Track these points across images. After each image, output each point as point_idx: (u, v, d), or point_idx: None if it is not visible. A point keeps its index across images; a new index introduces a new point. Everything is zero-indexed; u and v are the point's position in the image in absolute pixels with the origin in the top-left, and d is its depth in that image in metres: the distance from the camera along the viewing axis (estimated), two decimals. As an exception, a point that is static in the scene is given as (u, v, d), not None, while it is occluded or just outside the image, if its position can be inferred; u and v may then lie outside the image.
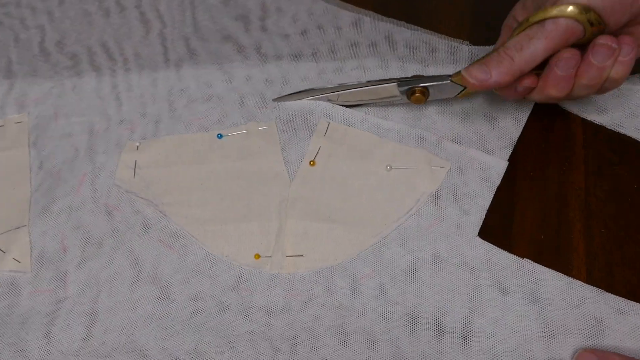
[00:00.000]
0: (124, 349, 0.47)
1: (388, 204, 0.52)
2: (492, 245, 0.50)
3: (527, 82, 0.50)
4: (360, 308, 0.48)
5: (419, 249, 0.50)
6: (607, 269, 0.49)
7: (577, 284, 0.48)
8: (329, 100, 0.58)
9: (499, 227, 0.51)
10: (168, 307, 0.49)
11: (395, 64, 0.60)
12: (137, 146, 0.57)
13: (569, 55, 0.47)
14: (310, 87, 0.59)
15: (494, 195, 0.53)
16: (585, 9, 0.46)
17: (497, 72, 0.48)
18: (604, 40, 0.47)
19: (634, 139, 0.55)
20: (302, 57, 0.62)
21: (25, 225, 0.53)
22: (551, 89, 0.49)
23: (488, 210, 0.52)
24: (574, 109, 0.57)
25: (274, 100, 0.58)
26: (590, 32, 0.47)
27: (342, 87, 0.57)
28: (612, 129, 0.55)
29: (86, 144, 0.58)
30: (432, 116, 0.57)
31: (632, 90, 0.57)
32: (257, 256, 0.51)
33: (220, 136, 0.57)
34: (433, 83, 0.54)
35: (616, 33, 0.49)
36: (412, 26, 0.63)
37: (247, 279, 0.50)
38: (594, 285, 0.48)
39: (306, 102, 0.58)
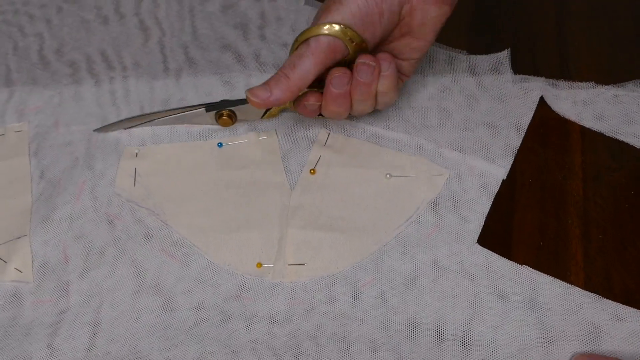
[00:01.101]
0: (127, 358, 0.47)
1: (388, 211, 0.53)
2: (491, 252, 0.50)
3: (312, 99, 0.52)
4: (361, 316, 0.48)
5: (419, 257, 0.51)
6: (605, 274, 0.49)
7: (575, 290, 0.48)
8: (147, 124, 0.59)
9: (498, 234, 0.52)
10: (171, 316, 0.49)
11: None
12: (136, 153, 0.57)
13: (340, 74, 0.51)
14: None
15: (493, 202, 0.53)
16: (342, 28, 0.49)
17: (276, 90, 0.50)
18: (363, 59, 0.50)
19: (631, 146, 0.55)
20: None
21: (26, 235, 0.53)
22: (331, 105, 0.52)
23: (487, 217, 0.52)
24: (572, 116, 0.57)
25: (95, 130, 0.59)
26: (353, 49, 0.50)
27: (157, 114, 0.58)
28: (611, 135, 0.56)
29: (85, 152, 0.58)
30: (433, 126, 0.57)
31: (629, 97, 0.57)
32: (259, 265, 0.51)
33: (220, 145, 0.57)
34: (237, 106, 0.56)
35: (378, 49, 0.53)
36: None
37: (249, 288, 0.50)
38: (592, 291, 0.48)
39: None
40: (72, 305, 0.50)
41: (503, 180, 0.54)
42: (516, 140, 0.56)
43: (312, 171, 0.55)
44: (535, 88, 0.58)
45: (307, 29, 0.50)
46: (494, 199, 0.53)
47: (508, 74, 0.59)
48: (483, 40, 0.63)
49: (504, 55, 0.61)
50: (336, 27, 0.49)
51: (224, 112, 0.57)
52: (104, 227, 0.53)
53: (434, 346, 0.47)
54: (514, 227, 0.52)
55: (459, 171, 0.54)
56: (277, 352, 0.47)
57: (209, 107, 0.57)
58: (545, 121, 0.57)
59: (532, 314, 0.48)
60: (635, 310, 0.47)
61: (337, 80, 0.51)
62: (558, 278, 0.49)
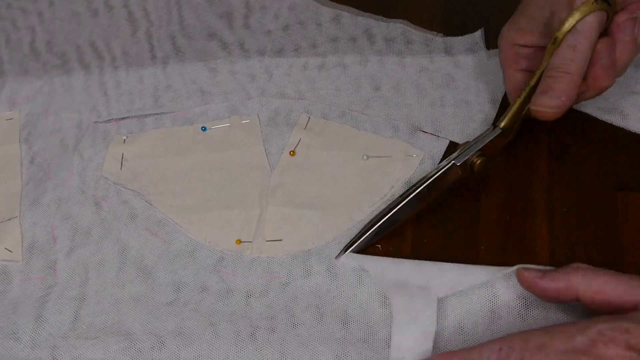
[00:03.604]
0: (110, 330, 0.48)
1: (364, 190, 0.54)
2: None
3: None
4: (335, 289, 0.50)
5: (393, 233, 0.52)
6: (568, 247, 0.51)
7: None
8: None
9: (466, 209, 0.53)
10: (152, 291, 0.51)
11: (374, 58, 0.62)
12: (124, 140, 0.59)
13: (606, 46, 0.49)
14: (292, 84, 0.61)
15: (462, 180, 0.54)
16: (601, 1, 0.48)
17: (565, 92, 0.49)
18: (623, 17, 0.50)
19: (594, 117, 0.57)
20: (285, 52, 0.64)
21: (16, 217, 0.55)
22: (603, 80, 0.50)
23: (457, 193, 0.54)
24: None
25: (336, 258, 0.52)
26: (611, 16, 0.50)
27: (398, 205, 0.52)
28: (575, 108, 0.57)
29: (75, 138, 0.60)
30: (412, 104, 0.59)
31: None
32: (239, 242, 0.53)
33: (204, 129, 0.59)
34: (488, 141, 0.52)
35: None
36: (389, 20, 0.65)
37: (228, 263, 0.52)
38: (556, 264, 0.47)
39: (288, 101, 0.60)
40: (59, 281, 0.52)
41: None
42: (491, 114, 0.58)
43: (292, 153, 0.57)
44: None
45: (567, 18, 0.48)
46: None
47: (482, 52, 0.61)
48: (457, 22, 0.65)
49: (478, 35, 0.62)
50: (595, 2, 0.48)
51: (474, 159, 0.51)
52: (90, 209, 0.55)
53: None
54: (481, 202, 0.54)
55: (432, 152, 0.56)
56: (253, 322, 0.48)
57: (458, 159, 0.51)
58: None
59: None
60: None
61: (605, 53, 0.49)
62: (524, 253, 0.50)
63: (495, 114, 0.58)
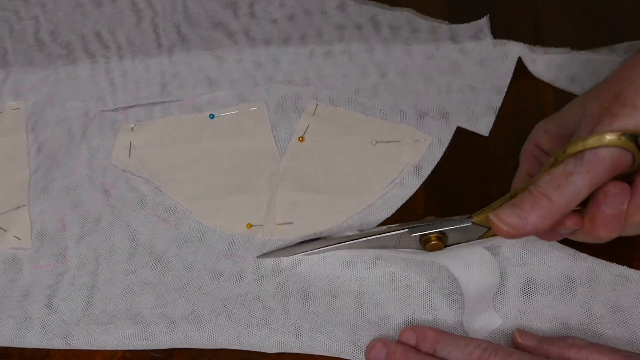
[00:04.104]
0: (123, 315, 0.48)
1: (373, 175, 0.54)
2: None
3: (571, 223, 0.42)
4: (347, 273, 0.50)
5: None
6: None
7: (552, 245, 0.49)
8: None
9: (475, 195, 0.53)
10: (164, 276, 0.51)
11: (380, 46, 0.62)
12: (132, 128, 0.59)
13: (618, 190, 0.40)
14: (299, 71, 0.61)
15: (472, 168, 0.55)
16: (632, 137, 0.38)
17: (534, 217, 0.40)
18: None
19: None
20: (291, 41, 0.64)
21: (25, 205, 0.55)
22: (601, 229, 0.41)
23: (467, 184, 0.54)
24: (547, 78, 0.59)
25: (259, 257, 0.51)
26: (638, 161, 0.40)
27: (345, 238, 0.49)
28: None
29: (82, 127, 0.60)
30: (419, 91, 0.59)
31: (602, 62, 0.59)
32: (249, 225, 0.53)
33: (212, 116, 0.59)
34: (451, 227, 0.46)
35: None
36: (394, 8, 0.65)
37: (239, 247, 0.52)
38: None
39: (295, 87, 0.60)
40: (69, 268, 0.52)
41: (481, 144, 0.56)
42: (497, 101, 0.58)
43: (301, 139, 0.57)
44: (514, 51, 0.60)
45: (580, 140, 0.39)
46: (474, 165, 0.55)
47: (488, 39, 0.61)
48: (461, 8, 0.65)
49: (484, 22, 0.62)
50: (622, 135, 0.38)
51: (431, 235, 0.46)
52: (99, 196, 0.55)
53: (422, 303, 0.48)
54: (490, 189, 0.54)
55: (441, 136, 0.56)
56: (266, 304, 0.48)
57: (413, 228, 0.46)
58: (520, 83, 0.59)
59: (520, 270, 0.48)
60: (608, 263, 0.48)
61: (614, 199, 0.40)
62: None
63: (501, 101, 0.58)
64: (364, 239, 0.48)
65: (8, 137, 0.60)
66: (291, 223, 0.52)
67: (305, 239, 0.51)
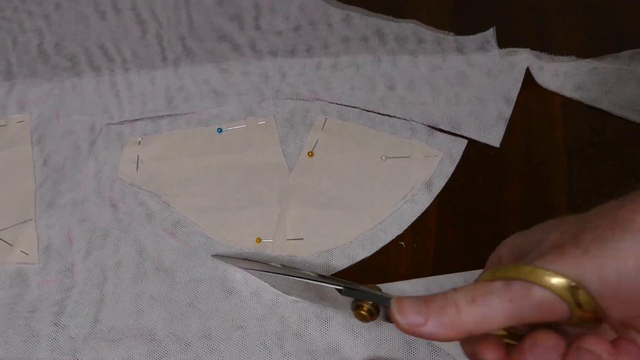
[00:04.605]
0: (132, 333, 0.48)
1: (384, 191, 0.54)
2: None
3: (491, 355, 0.35)
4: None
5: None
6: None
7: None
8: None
9: (488, 208, 0.53)
10: (172, 290, 0.50)
11: (387, 57, 0.62)
12: (139, 141, 0.59)
13: (550, 344, 0.34)
14: (306, 84, 0.61)
15: (484, 182, 0.54)
16: (571, 288, 0.32)
17: (434, 321, 0.34)
18: (591, 344, 0.33)
19: (608, 118, 0.57)
20: (297, 52, 0.64)
21: (31, 219, 0.55)
22: None
23: (480, 198, 0.54)
24: (554, 87, 0.59)
25: (213, 256, 0.52)
26: (579, 317, 0.33)
27: (283, 269, 0.47)
28: (590, 104, 0.57)
29: (88, 140, 0.59)
30: (427, 102, 0.59)
31: (607, 69, 0.59)
32: (259, 240, 0.52)
33: (220, 130, 0.59)
34: (380, 303, 0.39)
35: (618, 326, 0.36)
36: (400, 20, 0.65)
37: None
38: None
39: (303, 102, 0.60)
40: (76, 283, 0.51)
41: (492, 157, 0.56)
42: (506, 112, 0.58)
43: (310, 153, 0.57)
44: (522, 61, 0.60)
45: (515, 266, 0.34)
46: (486, 176, 0.55)
47: (495, 51, 0.61)
48: (465, 20, 0.65)
49: (490, 33, 0.62)
50: (568, 282, 0.32)
51: (364, 304, 0.39)
52: (107, 210, 0.55)
53: None
54: (504, 201, 0.54)
55: (451, 152, 0.56)
56: (279, 325, 0.48)
57: (347, 290, 0.40)
58: (527, 91, 0.59)
59: None
60: None
61: (541, 351, 0.34)
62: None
63: (510, 112, 0.58)
64: (306, 280, 0.44)
65: (13, 150, 0.60)
66: (302, 239, 0.52)
67: (254, 257, 0.50)
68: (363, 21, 0.66)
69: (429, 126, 0.57)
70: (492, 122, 0.57)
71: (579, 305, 0.32)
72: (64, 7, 0.70)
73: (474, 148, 0.56)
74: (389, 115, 0.58)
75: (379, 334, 0.48)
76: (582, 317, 0.33)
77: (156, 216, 0.54)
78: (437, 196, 0.54)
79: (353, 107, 0.59)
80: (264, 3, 0.68)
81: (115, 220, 0.54)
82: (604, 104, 0.57)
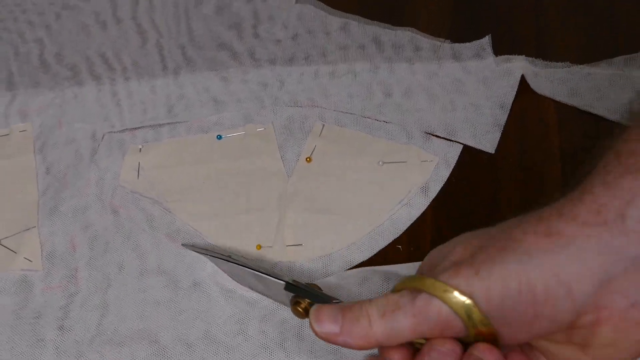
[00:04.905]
0: (136, 336, 0.49)
1: (381, 196, 0.55)
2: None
3: (397, 356, 0.37)
4: (358, 294, 0.50)
5: (412, 237, 0.53)
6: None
7: None
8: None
9: (483, 207, 0.54)
10: (175, 294, 0.51)
11: (384, 65, 0.63)
12: (140, 149, 0.59)
13: (446, 349, 0.35)
14: (304, 91, 0.62)
15: (479, 186, 0.55)
16: (466, 306, 0.33)
17: (348, 332, 0.35)
18: (481, 352, 0.34)
19: (602, 125, 0.58)
20: (295, 61, 0.65)
21: (34, 227, 0.56)
22: None
23: (475, 202, 0.54)
24: (548, 92, 0.60)
25: (183, 245, 0.54)
26: (474, 334, 0.34)
27: (238, 260, 0.49)
28: (584, 109, 0.58)
29: (90, 148, 0.60)
30: (423, 109, 0.60)
31: (601, 75, 0.59)
32: (259, 247, 0.53)
33: (219, 137, 0.60)
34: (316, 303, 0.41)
35: (523, 346, 0.37)
36: (397, 27, 0.66)
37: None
38: None
39: (301, 108, 0.61)
40: (80, 289, 0.52)
41: (487, 162, 0.56)
42: (501, 118, 0.59)
43: (308, 159, 0.58)
44: (517, 68, 0.61)
45: (424, 278, 0.35)
46: (481, 183, 0.55)
47: (490, 59, 0.62)
48: (465, 20, 0.66)
49: (486, 41, 0.63)
50: (461, 299, 0.33)
51: (302, 302, 0.42)
52: (108, 217, 0.56)
53: None
54: (501, 204, 0.54)
55: (447, 157, 0.57)
56: (280, 327, 0.49)
57: (288, 285, 0.43)
58: (522, 98, 0.60)
59: None
60: None
61: (437, 355, 0.35)
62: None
63: (505, 118, 0.59)
64: (256, 272, 0.46)
65: (16, 159, 0.60)
66: (301, 245, 0.53)
67: (217, 249, 0.53)
68: (361, 29, 0.67)
69: (424, 131, 0.58)
70: (487, 129, 0.58)
71: (473, 323, 0.33)
72: (64, 17, 0.71)
73: (469, 153, 0.57)
74: (386, 122, 0.59)
75: None
76: (478, 335, 0.34)
77: (157, 222, 0.55)
78: (433, 200, 0.55)
79: (351, 113, 0.60)
80: (263, 12, 0.69)
81: (117, 226, 0.55)
82: (599, 109, 0.58)
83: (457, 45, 0.64)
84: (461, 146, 0.57)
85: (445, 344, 0.35)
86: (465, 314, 0.33)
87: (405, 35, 0.65)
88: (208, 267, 0.52)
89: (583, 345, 0.34)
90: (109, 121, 0.62)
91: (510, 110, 0.59)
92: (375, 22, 0.67)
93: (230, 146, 0.59)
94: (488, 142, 0.57)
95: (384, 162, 0.57)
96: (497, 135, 0.58)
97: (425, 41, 0.65)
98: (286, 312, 0.50)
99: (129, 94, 0.64)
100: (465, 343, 0.35)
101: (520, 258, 0.33)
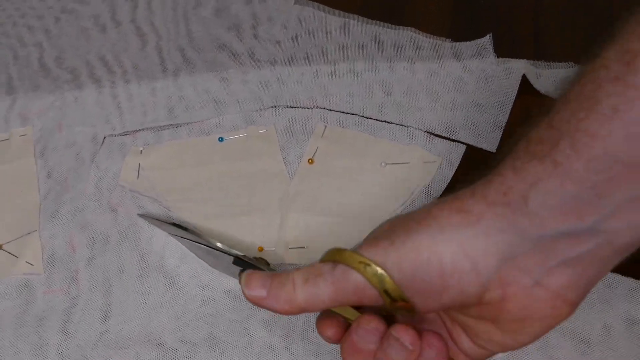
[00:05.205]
0: (139, 339, 0.49)
1: (384, 197, 0.55)
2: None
3: (329, 332, 0.39)
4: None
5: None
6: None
7: None
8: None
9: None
10: (177, 296, 0.51)
11: (384, 64, 0.63)
12: (141, 150, 0.59)
13: (371, 327, 0.37)
14: (305, 91, 0.62)
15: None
16: (379, 275, 0.35)
17: (274, 295, 0.37)
18: (397, 332, 0.36)
19: None
20: (296, 61, 0.64)
21: (36, 231, 0.55)
22: (345, 354, 0.38)
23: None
24: (552, 92, 0.59)
25: (139, 215, 0.55)
26: (390, 304, 0.35)
27: (191, 236, 0.50)
28: None
29: (91, 151, 0.60)
30: (424, 108, 0.60)
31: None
32: (261, 248, 0.53)
33: (221, 139, 0.59)
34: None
35: (438, 313, 0.40)
36: (397, 27, 0.66)
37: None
38: None
39: (303, 110, 0.61)
40: (82, 292, 0.52)
41: (489, 162, 0.56)
42: (503, 117, 0.58)
43: (310, 161, 0.57)
44: (518, 68, 0.61)
45: (344, 251, 0.36)
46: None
47: (491, 57, 0.62)
48: (465, 20, 0.66)
49: (486, 40, 0.63)
50: (376, 269, 0.35)
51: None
52: (107, 216, 0.56)
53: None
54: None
55: (450, 157, 0.57)
56: (284, 329, 0.49)
57: (236, 260, 0.44)
58: (524, 106, 0.59)
59: None
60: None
61: (363, 333, 0.37)
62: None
63: (506, 117, 0.58)
64: (204, 246, 0.47)
65: (16, 163, 0.60)
66: (303, 247, 0.53)
67: (177, 222, 0.54)
68: (361, 29, 0.67)
69: (426, 132, 0.58)
70: (488, 128, 0.58)
71: (386, 292, 0.35)
72: (63, 21, 0.71)
73: (472, 152, 0.57)
74: (388, 122, 0.59)
75: None
76: (393, 304, 0.35)
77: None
78: (437, 201, 0.55)
79: (351, 114, 0.60)
80: (262, 13, 0.69)
81: (115, 225, 0.55)
82: None
83: (457, 44, 0.64)
84: (464, 147, 0.57)
85: (370, 322, 0.37)
86: (378, 283, 0.35)
87: (405, 34, 0.65)
88: (214, 270, 0.52)
89: (494, 320, 0.36)
90: (109, 124, 0.62)
91: (512, 108, 0.59)
92: (375, 21, 0.67)
93: (232, 148, 0.59)
94: (489, 141, 0.57)
95: (386, 163, 0.57)
96: (499, 134, 0.58)
97: (425, 40, 0.65)
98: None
99: (129, 96, 0.63)
100: (391, 316, 0.38)
101: (432, 232, 0.35)
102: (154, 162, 0.59)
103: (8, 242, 0.55)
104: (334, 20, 0.67)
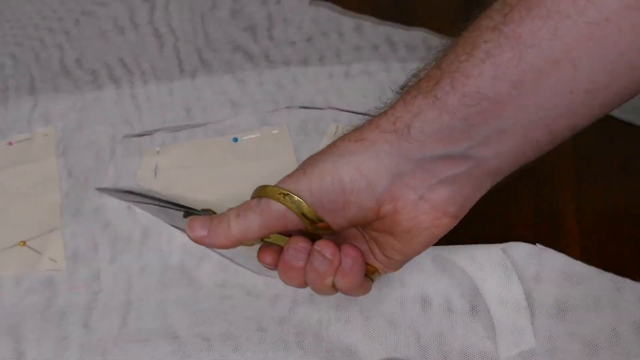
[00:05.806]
0: (158, 333, 0.50)
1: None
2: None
3: (268, 259, 0.45)
4: (377, 293, 0.51)
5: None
6: (599, 246, 0.52)
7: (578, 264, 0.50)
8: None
9: (496, 214, 0.54)
10: (196, 293, 0.52)
11: (397, 65, 0.64)
12: (158, 150, 0.61)
13: (298, 246, 0.43)
14: (320, 92, 0.63)
15: (491, 188, 0.55)
16: (296, 202, 0.41)
17: (213, 234, 0.43)
18: (319, 246, 0.42)
19: (616, 126, 0.58)
20: (310, 62, 0.66)
21: (58, 228, 0.57)
22: (281, 274, 0.44)
23: (486, 204, 0.55)
24: None
25: (97, 189, 0.58)
26: (310, 225, 0.42)
27: (146, 199, 0.56)
28: None
29: (109, 150, 0.61)
30: None
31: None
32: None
33: (236, 140, 0.61)
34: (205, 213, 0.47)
35: (355, 229, 0.45)
36: (410, 27, 0.67)
37: (268, 270, 0.53)
38: (588, 263, 0.50)
39: (316, 110, 0.62)
40: (103, 288, 0.53)
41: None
42: None
43: (323, 159, 0.58)
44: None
45: (266, 186, 0.42)
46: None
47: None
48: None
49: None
50: (293, 197, 0.41)
51: None
52: (128, 215, 0.57)
53: (444, 317, 0.49)
54: (510, 208, 0.55)
55: None
56: (299, 326, 0.50)
57: (186, 213, 0.48)
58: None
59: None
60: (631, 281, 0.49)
61: (292, 252, 0.43)
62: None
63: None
64: (158, 206, 0.54)
65: (39, 163, 0.62)
66: None
67: (128, 189, 0.58)
68: (374, 30, 0.67)
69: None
70: None
71: (304, 215, 0.41)
72: (83, 23, 0.72)
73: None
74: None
75: (395, 336, 0.49)
76: (313, 225, 0.41)
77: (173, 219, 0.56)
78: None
79: (363, 113, 0.61)
80: (277, 15, 0.70)
81: (136, 224, 0.56)
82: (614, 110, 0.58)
83: (469, 44, 0.65)
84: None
85: (298, 242, 0.43)
86: (296, 209, 0.41)
87: (418, 35, 0.66)
88: (230, 269, 0.53)
89: (391, 232, 0.42)
90: (129, 124, 0.63)
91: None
92: (388, 22, 0.68)
93: (246, 148, 0.60)
94: None
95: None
96: None
97: (438, 41, 0.65)
98: (304, 311, 0.51)
99: (148, 97, 0.65)
100: (318, 237, 0.43)
101: (335, 158, 0.41)
102: (170, 161, 0.60)
103: (31, 239, 0.57)
104: (348, 21, 0.68)
